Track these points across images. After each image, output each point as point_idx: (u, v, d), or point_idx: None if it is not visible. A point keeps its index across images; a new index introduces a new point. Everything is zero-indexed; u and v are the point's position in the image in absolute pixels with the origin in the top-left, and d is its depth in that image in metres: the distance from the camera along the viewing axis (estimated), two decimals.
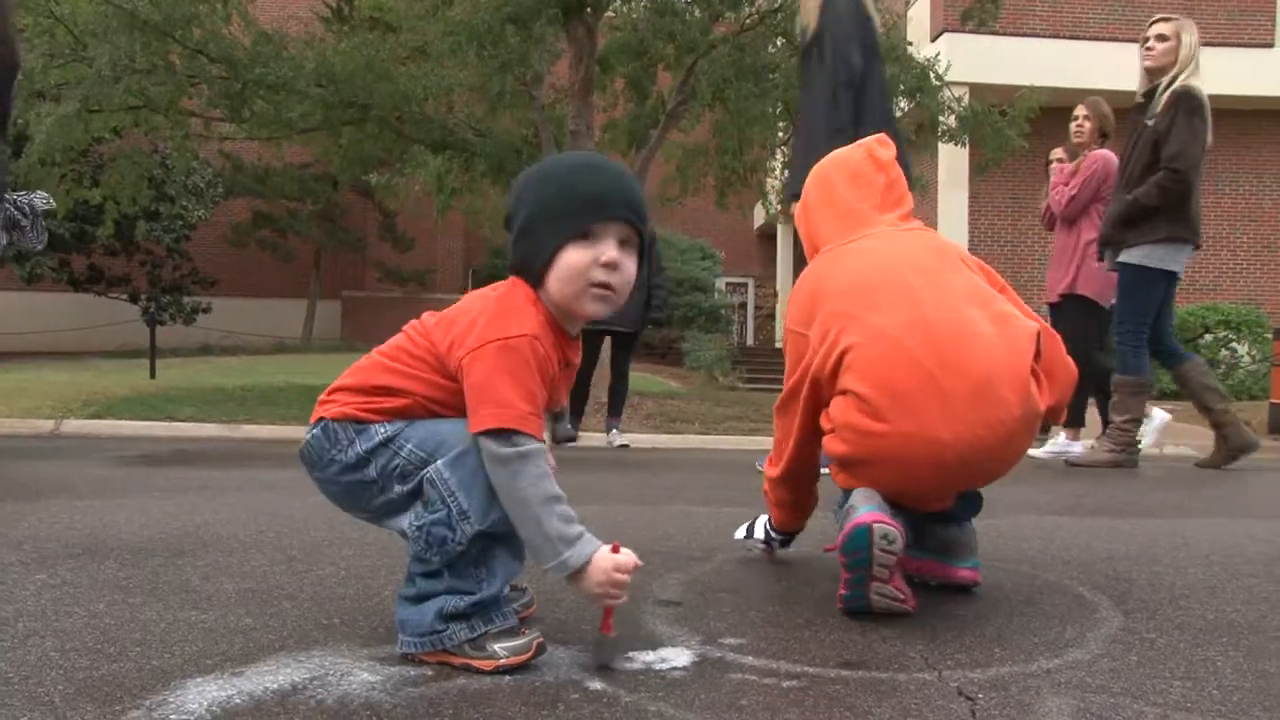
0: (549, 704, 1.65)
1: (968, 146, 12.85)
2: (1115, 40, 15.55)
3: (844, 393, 2.23)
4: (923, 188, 13.26)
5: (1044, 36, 16.67)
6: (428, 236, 25.12)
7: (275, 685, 1.72)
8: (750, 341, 28.63)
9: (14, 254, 19.42)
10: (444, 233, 24.85)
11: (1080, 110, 7.02)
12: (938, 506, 2.34)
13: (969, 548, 2.46)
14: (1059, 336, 2.41)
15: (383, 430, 1.88)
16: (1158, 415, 6.86)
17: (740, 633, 2.10)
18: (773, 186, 15.13)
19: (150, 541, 3.02)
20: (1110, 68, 12.88)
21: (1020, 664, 1.91)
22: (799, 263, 20.17)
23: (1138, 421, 6.11)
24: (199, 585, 2.45)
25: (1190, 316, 14.88)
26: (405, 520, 1.86)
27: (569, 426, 7.74)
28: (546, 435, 2.00)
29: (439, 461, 1.82)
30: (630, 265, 1.92)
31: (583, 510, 3.73)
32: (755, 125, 11.96)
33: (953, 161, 15.93)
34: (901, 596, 2.17)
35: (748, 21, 11.60)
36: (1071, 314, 6.69)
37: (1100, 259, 6.29)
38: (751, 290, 29.84)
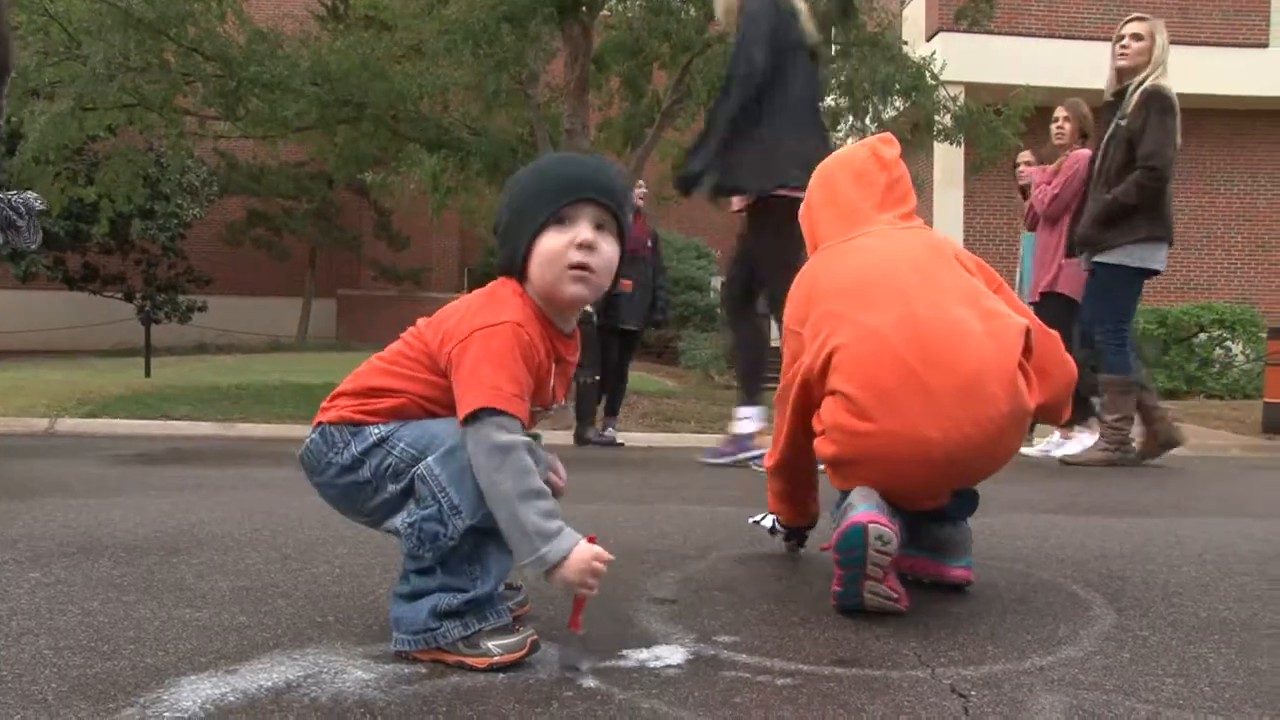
0: (543, 701, 1.65)
1: (963, 146, 12.87)
2: (1108, 40, 15.52)
3: (832, 393, 2.24)
4: (918, 187, 13.26)
5: (1039, 36, 16.69)
6: (423, 235, 25.09)
7: (269, 683, 1.72)
8: None
9: (9, 253, 19.37)
10: (439, 231, 24.81)
11: (1060, 111, 7.08)
12: (930, 505, 2.34)
13: (963, 547, 2.46)
14: (1058, 336, 2.41)
15: (377, 431, 1.90)
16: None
17: (734, 630, 2.10)
18: None
19: (145, 540, 3.02)
20: (1105, 67, 12.86)
21: (1013, 661, 1.91)
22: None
23: (1130, 420, 6.12)
24: (193, 583, 2.45)
25: (1185, 315, 14.90)
26: (400, 519, 1.86)
27: (601, 432, 7.73)
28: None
29: (429, 458, 1.83)
30: (607, 247, 1.94)
31: (579, 509, 3.73)
32: None
33: (948, 161, 15.96)
34: (895, 596, 2.17)
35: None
36: (1052, 312, 6.70)
37: (1069, 255, 6.35)
38: None
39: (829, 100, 12.03)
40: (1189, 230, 18.12)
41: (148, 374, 12.66)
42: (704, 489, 4.63)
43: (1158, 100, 5.82)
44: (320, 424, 1.96)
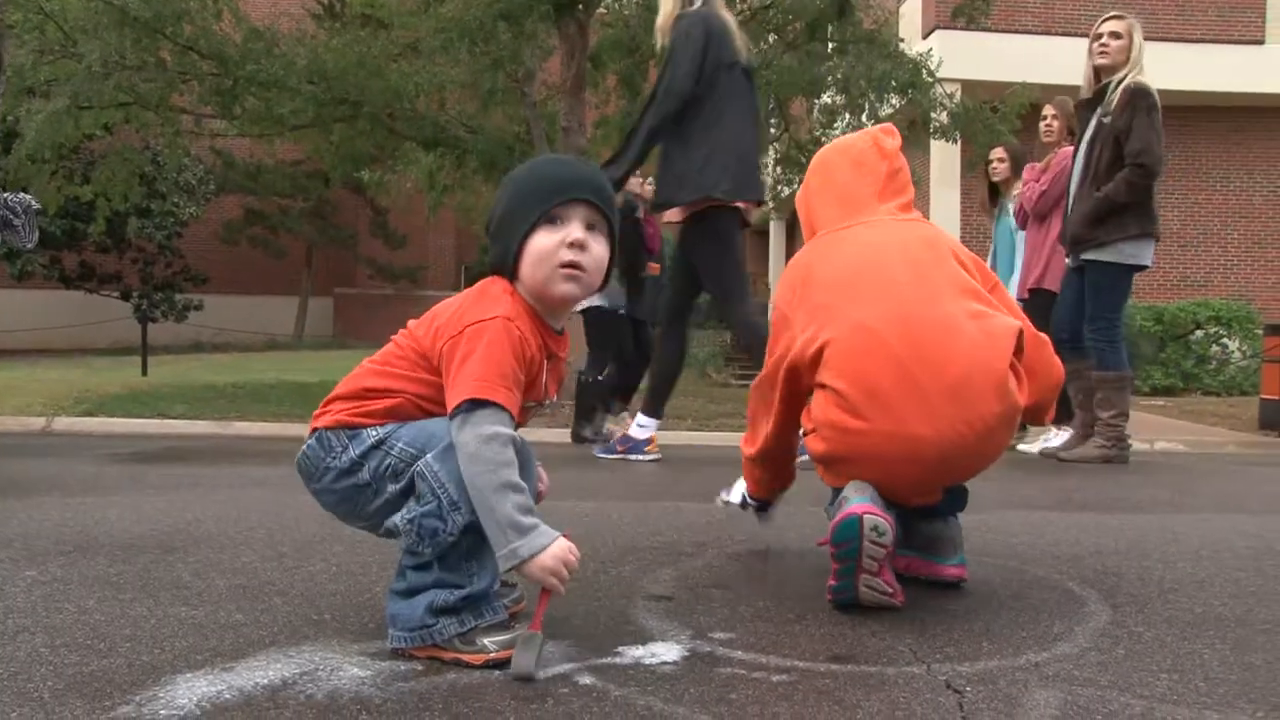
0: (538, 698, 1.65)
1: (959, 143, 12.86)
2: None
3: (823, 387, 2.25)
4: (915, 184, 13.26)
5: (1035, 33, 16.67)
6: (419, 233, 25.11)
7: (265, 681, 1.72)
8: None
9: (4, 252, 19.38)
10: (436, 230, 24.83)
11: (1049, 110, 7.13)
12: (922, 501, 2.34)
13: (954, 544, 2.47)
14: (1047, 339, 2.42)
15: (374, 433, 1.90)
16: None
17: (730, 627, 2.10)
18: (765, 184, 15.11)
19: (141, 538, 3.02)
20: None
21: (1008, 658, 1.92)
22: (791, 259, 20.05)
23: (1125, 416, 6.14)
24: (190, 581, 2.46)
25: (1181, 312, 14.90)
26: (399, 516, 1.86)
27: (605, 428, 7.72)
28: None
29: (429, 455, 1.83)
30: (598, 246, 1.96)
31: (575, 506, 3.74)
32: None
33: (945, 158, 15.94)
34: (890, 590, 2.18)
35: (739, 18, 11.57)
36: (1040, 308, 6.74)
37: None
38: None
39: (825, 98, 12.04)
40: (1185, 227, 18.12)
41: (144, 372, 12.64)
42: (700, 486, 4.63)
43: (1144, 97, 5.85)
44: (316, 429, 1.96)
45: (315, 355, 18.01)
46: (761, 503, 2.85)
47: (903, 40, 12.36)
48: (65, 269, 23.00)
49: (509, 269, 1.95)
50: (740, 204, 5.33)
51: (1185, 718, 1.62)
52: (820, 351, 2.24)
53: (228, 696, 1.64)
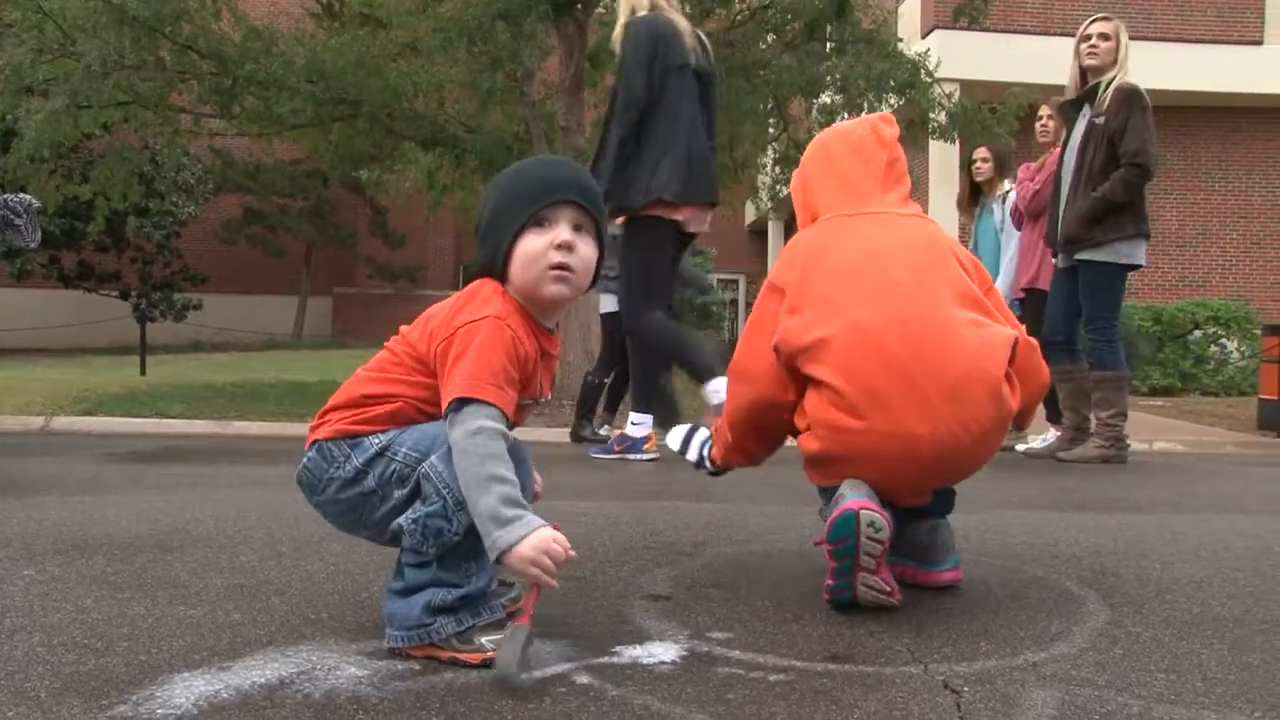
0: (536, 697, 1.65)
1: (957, 143, 12.86)
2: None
3: (818, 385, 2.24)
4: (913, 184, 13.26)
5: (1035, 33, 16.68)
6: (419, 233, 25.06)
7: (263, 680, 1.72)
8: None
9: (4, 251, 19.37)
10: (435, 229, 24.76)
11: (1044, 109, 7.17)
12: (913, 502, 2.35)
13: (947, 548, 2.47)
14: (1036, 344, 2.42)
15: (377, 440, 1.90)
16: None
17: (728, 627, 2.10)
18: (763, 183, 15.12)
19: (139, 537, 3.02)
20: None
21: (1006, 657, 1.92)
22: None
23: (1124, 415, 6.15)
24: (187, 581, 2.46)
25: (1180, 313, 14.90)
26: (403, 517, 1.86)
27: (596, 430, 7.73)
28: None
29: (433, 456, 1.83)
30: (586, 248, 1.96)
31: (572, 506, 3.74)
32: (746, 121, 11.96)
33: (943, 158, 15.94)
34: (888, 590, 2.17)
35: (738, 18, 11.60)
36: (1035, 308, 6.76)
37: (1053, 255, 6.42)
38: (743, 287, 29.80)
39: (824, 98, 12.03)
40: (1184, 227, 18.13)
41: (143, 372, 12.63)
42: (698, 486, 4.64)
43: (1138, 98, 5.91)
44: (316, 441, 1.96)
45: (314, 355, 17.98)
46: (718, 472, 2.83)
47: (901, 40, 12.37)
48: (64, 268, 22.97)
49: (498, 270, 1.95)
50: (682, 216, 5.37)
51: (1183, 718, 1.62)
52: (817, 344, 2.24)
53: (225, 696, 1.64)
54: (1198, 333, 14.90)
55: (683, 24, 5.49)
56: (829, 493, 2.35)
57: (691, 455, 2.86)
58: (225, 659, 1.83)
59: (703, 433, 2.85)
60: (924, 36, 16.44)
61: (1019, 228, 7.18)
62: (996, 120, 11.56)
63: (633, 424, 5.83)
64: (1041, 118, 7.13)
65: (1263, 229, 18.47)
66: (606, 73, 12.42)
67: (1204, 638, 2.09)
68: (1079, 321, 6.28)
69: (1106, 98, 5.92)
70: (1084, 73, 6.13)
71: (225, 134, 13.51)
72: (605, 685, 1.72)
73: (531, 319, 1.96)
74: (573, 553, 1.75)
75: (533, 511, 1.76)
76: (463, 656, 1.80)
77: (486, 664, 1.78)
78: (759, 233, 29.29)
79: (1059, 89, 6.45)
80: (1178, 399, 13.21)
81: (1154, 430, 8.86)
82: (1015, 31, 16.68)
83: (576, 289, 1.96)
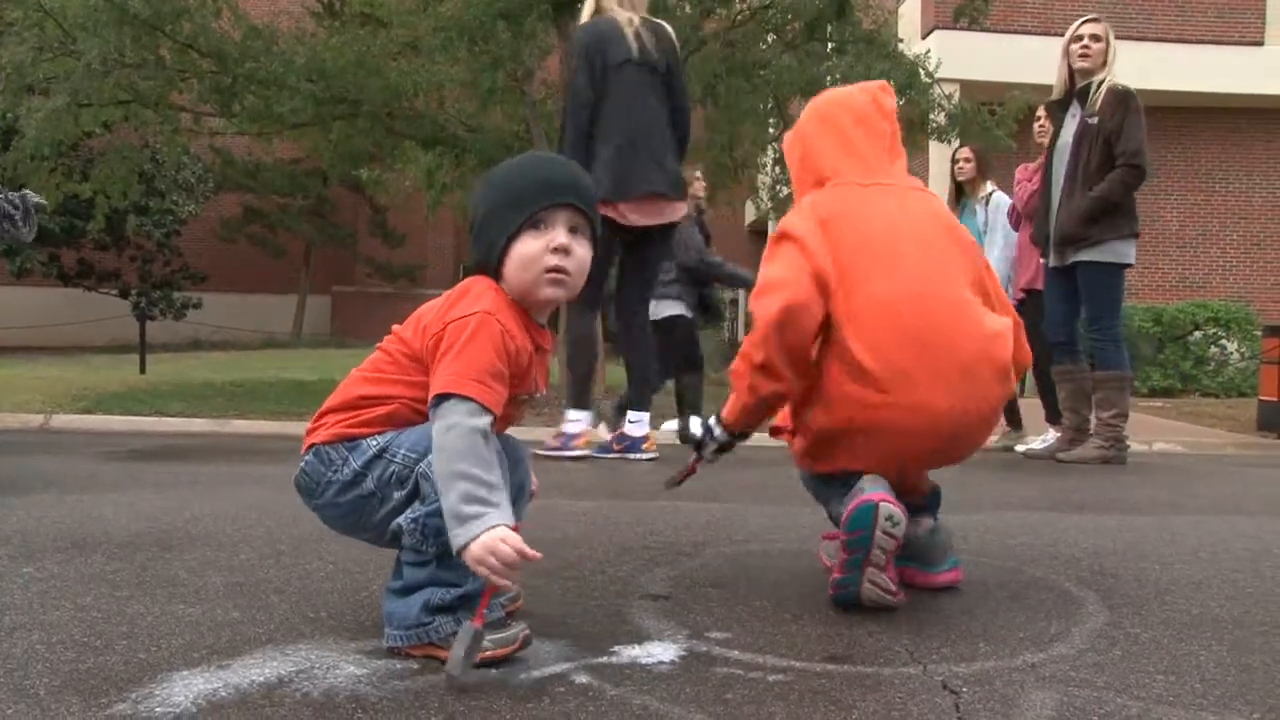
0: (534, 697, 1.65)
1: (956, 144, 12.85)
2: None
3: (840, 357, 2.24)
4: None
5: (1034, 34, 16.67)
6: (418, 232, 25.07)
7: (261, 678, 1.72)
8: (742, 337, 28.60)
9: (4, 249, 19.35)
10: (434, 228, 24.76)
11: (1042, 111, 7.16)
12: (915, 482, 2.41)
13: (944, 549, 2.47)
14: (1022, 323, 2.48)
15: (375, 442, 1.90)
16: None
17: (727, 627, 2.10)
18: (763, 183, 15.10)
19: (138, 536, 3.02)
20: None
21: (1005, 658, 1.92)
22: None
23: (1124, 416, 6.15)
24: (186, 579, 2.45)
25: (1180, 314, 14.91)
26: (402, 518, 1.86)
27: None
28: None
29: (431, 456, 1.83)
30: (581, 250, 1.96)
31: (572, 505, 3.73)
32: (746, 121, 11.95)
33: (943, 159, 15.92)
34: (893, 589, 2.18)
35: (739, 18, 11.59)
36: (1035, 309, 6.76)
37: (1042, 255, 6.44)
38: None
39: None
40: (1184, 228, 18.13)
41: (142, 370, 12.63)
42: (698, 486, 4.63)
43: (1132, 99, 5.98)
44: (313, 445, 1.96)
45: (313, 353, 17.98)
46: (730, 440, 2.56)
47: (902, 40, 12.36)
48: (64, 266, 22.97)
49: (492, 269, 1.95)
50: (618, 212, 5.42)
51: (1181, 719, 1.62)
52: (844, 313, 2.24)
53: (224, 694, 1.64)
54: (1198, 334, 14.91)
55: (626, 20, 5.54)
56: (824, 484, 2.37)
57: (697, 430, 2.84)
58: (224, 657, 1.83)
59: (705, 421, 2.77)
60: (924, 37, 16.45)
61: (1016, 228, 7.18)
62: (996, 122, 11.56)
63: (630, 423, 5.82)
64: (1040, 118, 7.15)
65: (1263, 230, 18.48)
66: None
67: (1203, 639, 2.09)
68: (1079, 321, 6.29)
69: (1099, 98, 5.96)
70: (1071, 73, 6.16)
71: (225, 133, 13.49)
72: (604, 685, 1.72)
73: (523, 314, 1.96)
74: (532, 552, 1.70)
75: (503, 506, 1.73)
76: None
77: (485, 663, 1.78)
78: (759, 233, 29.25)
79: None
80: (1178, 400, 13.22)
81: (1154, 431, 8.87)
82: (1015, 32, 16.68)
83: (571, 290, 1.97)
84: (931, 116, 11.62)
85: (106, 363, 15.07)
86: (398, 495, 1.88)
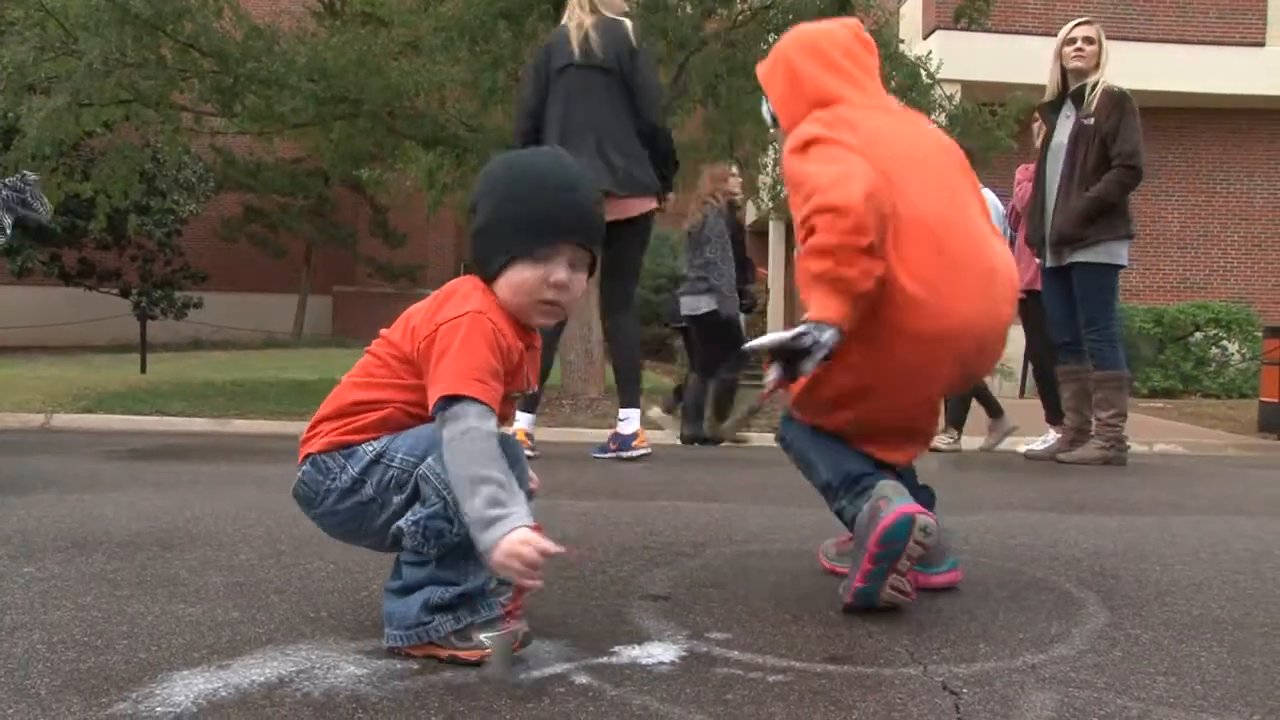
0: (534, 696, 1.65)
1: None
2: (1107, 39, 15.42)
3: (888, 270, 2.21)
4: None
5: (1035, 34, 16.66)
6: (419, 232, 25.05)
7: (261, 678, 1.72)
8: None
9: (5, 248, 19.35)
10: (435, 229, 24.76)
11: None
12: (928, 422, 2.49)
13: (943, 550, 2.47)
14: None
15: (371, 448, 1.90)
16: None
17: (727, 627, 2.10)
18: (763, 184, 15.11)
19: (139, 535, 3.02)
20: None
21: (1005, 659, 1.92)
22: (790, 260, 20.10)
23: (1123, 416, 6.15)
24: (187, 579, 2.46)
25: (1181, 315, 14.92)
26: (403, 520, 1.85)
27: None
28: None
29: (430, 458, 1.83)
30: (578, 284, 1.95)
31: (572, 505, 3.73)
32: (746, 121, 11.94)
33: None
34: (909, 590, 2.18)
35: (739, 18, 11.60)
36: (1037, 309, 6.78)
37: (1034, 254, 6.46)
38: None
39: None
40: (1185, 229, 18.12)
41: (143, 370, 12.64)
42: (698, 486, 4.64)
43: (1128, 101, 6.00)
44: (309, 455, 1.95)
45: (314, 353, 17.99)
46: (840, 336, 2.18)
47: (903, 41, 12.38)
48: (65, 266, 22.95)
49: (487, 279, 1.94)
50: None
51: None
52: (895, 222, 2.24)
53: (224, 694, 1.64)
54: (1199, 335, 14.92)
55: (576, 24, 5.61)
56: (814, 442, 2.40)
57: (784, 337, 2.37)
58: (224, 657, 1.83)
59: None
60: (925, 38, 16.44)
61: (1016, 228, 7.18)
62: (997, 122, 11.56)
63: (622, 420, 5.82)
64: (1038, 119, 7.15)
65: (1264, 231, 18.47)
66: None
67: (1203, 640, 2.09)
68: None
69: (1094, 100, 5.99)
70: (1064, 75, 6.19)
71: (226, 132, 13.51)
72: (604, 685, 1.72)
73: (512, 317, 1.94)
74: (556, 548, 1.70)
75: (522, 506, 1.74)
76: (461, 654, 1.80)
77: (485, 661, 1.78)
78: (760, 233, 29.25)
79: None
80: (1178, 401, 13.22)
81: (1154, 432, 8.87)
82: (1016, 32, 16.66)
83: (558, 319, 1.99)
84: (933, 117, 11.61)
85: (107, 362, 15.07)
86: (397, 499, 1.87)
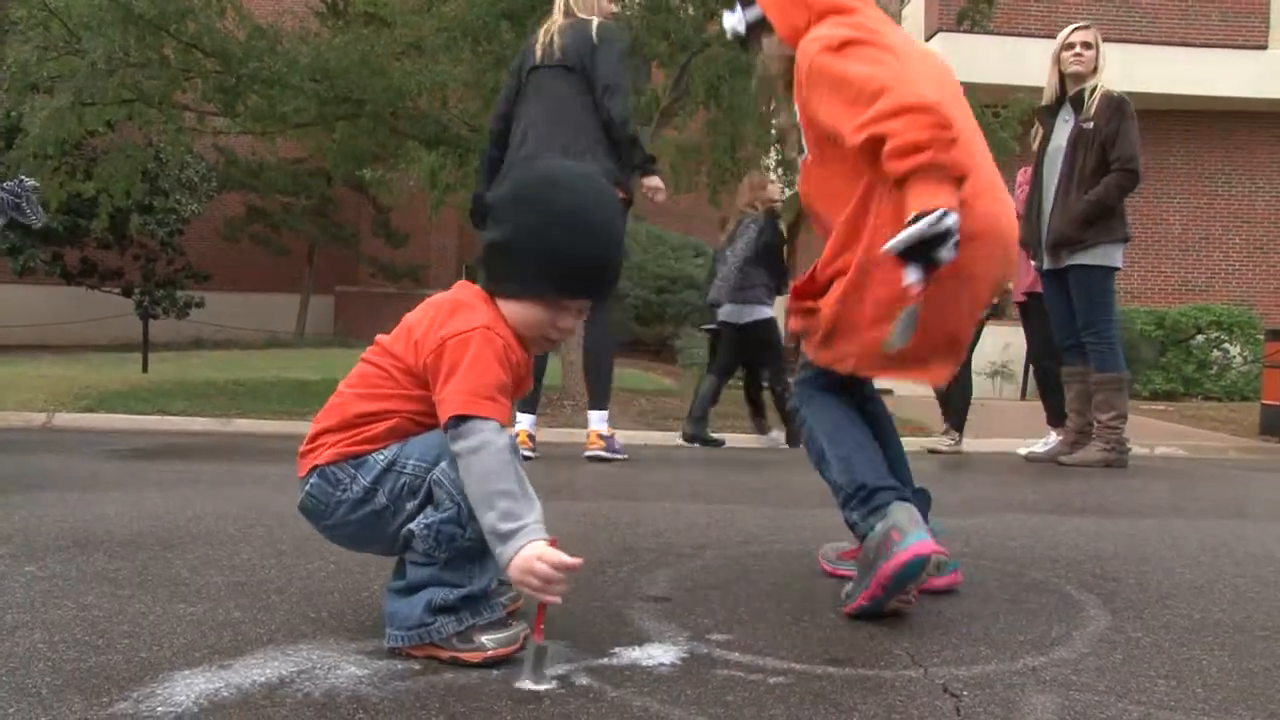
0: (535, 698, 1.65)
1: None
2: (1108, 41, 15.44)
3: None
4: None
5: (1038, 36, 16.65)
6: (421, 232, 25.06)
7: (262, 678, 1.72)
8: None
9: (7, 247, 19.36)
10: (437, 229, 24.79)
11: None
12: (969, 333, 2.47)
13: None
14: None
15: (382, 457, 1.89)
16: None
17: (727, 629, 2.10)
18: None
19: (140, 534, 3.02)
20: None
21: (1006, 662, 1.92)
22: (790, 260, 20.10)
23: (1124, 418, 6.16)
24: (188, 578, 2.46)
25: (1183, 317, 14.91)
26: (415, 524, 1.85)
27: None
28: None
29: (443, 463, 1.83)
30: (579, 324, 2.02)
31: (571, 506, 3.73)
32: (748, 123, 11.94)
33: None
34: (911, 597, 2.18)
35: None
36: (1037, 312, 6.79)
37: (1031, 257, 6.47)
38: None
39: None
40: (1187, 232, 18.10)
41: (145, 369, 12.63)
42: (697, 487, 4.64)
43: (1127, 105, 6.04)
44: (316, 467, 1.93)
45: (316, 353, 17.97)
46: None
47: None
48: (67, 265, 22.95)
49: (491, 293, 1.94)
50: None
51: None
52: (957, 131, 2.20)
53: (225, 694, 1.64)
54: (1200, 337, 14.91)
55: (544, 28, 5.73)
56: (831, 433, 2.39)
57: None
58: (226, 657, 1.83)
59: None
60: (928, 39, 16.44)
61: None
62: (1000, 124, 11.55)
63: (600, 422, 5.93)
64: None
65: (1266, 234, 18.45)
66: None
67: (1205, 644, 2.09)
68: None
69: (1093, 104, 6.02)
70: (1062, 79, 6.23)
71: (229, 132, 13.50)
72: (604, 686, 1.72)
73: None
74: (571, 560, 1.71)
75: (538, 519, 1.74)
76: (463, 656, 1.80)
77: (487, 663, 1.78)
78: None
79: None
80: (1180, 404, 13.20)
81: (1156, 435, 8.85)
82: (1019, 34, 16.66)
83: (551, 349, 2.04)
84: None
85: (109, 361, 15.07)
86: (410, 506, 1.86)
